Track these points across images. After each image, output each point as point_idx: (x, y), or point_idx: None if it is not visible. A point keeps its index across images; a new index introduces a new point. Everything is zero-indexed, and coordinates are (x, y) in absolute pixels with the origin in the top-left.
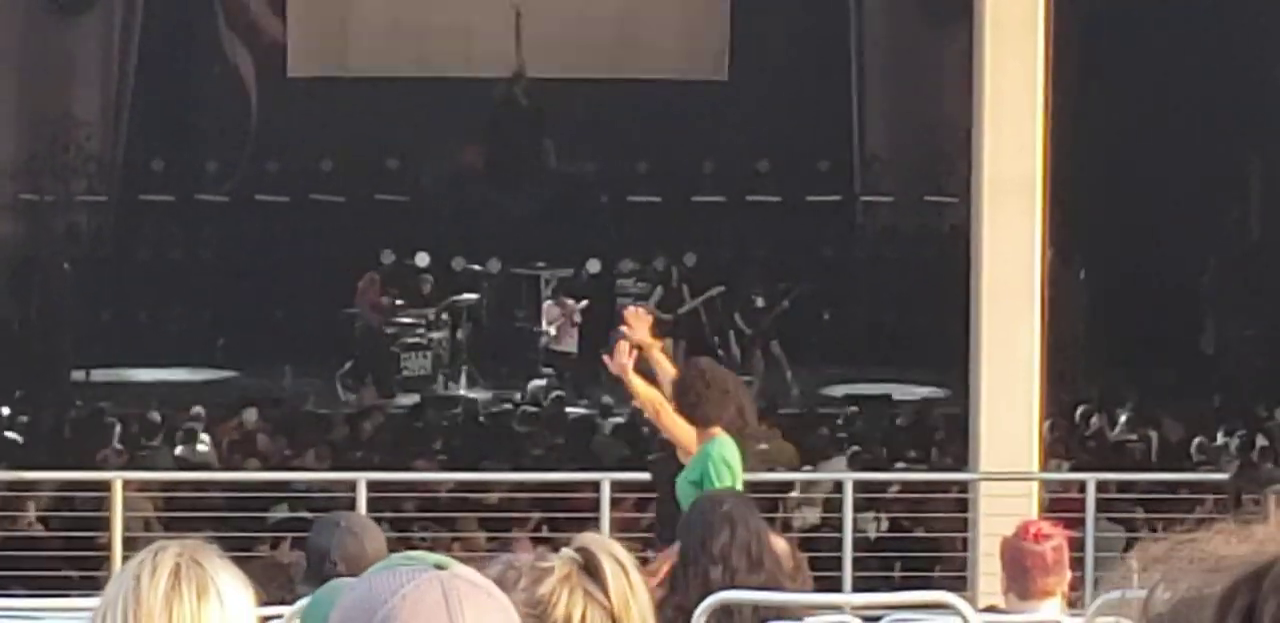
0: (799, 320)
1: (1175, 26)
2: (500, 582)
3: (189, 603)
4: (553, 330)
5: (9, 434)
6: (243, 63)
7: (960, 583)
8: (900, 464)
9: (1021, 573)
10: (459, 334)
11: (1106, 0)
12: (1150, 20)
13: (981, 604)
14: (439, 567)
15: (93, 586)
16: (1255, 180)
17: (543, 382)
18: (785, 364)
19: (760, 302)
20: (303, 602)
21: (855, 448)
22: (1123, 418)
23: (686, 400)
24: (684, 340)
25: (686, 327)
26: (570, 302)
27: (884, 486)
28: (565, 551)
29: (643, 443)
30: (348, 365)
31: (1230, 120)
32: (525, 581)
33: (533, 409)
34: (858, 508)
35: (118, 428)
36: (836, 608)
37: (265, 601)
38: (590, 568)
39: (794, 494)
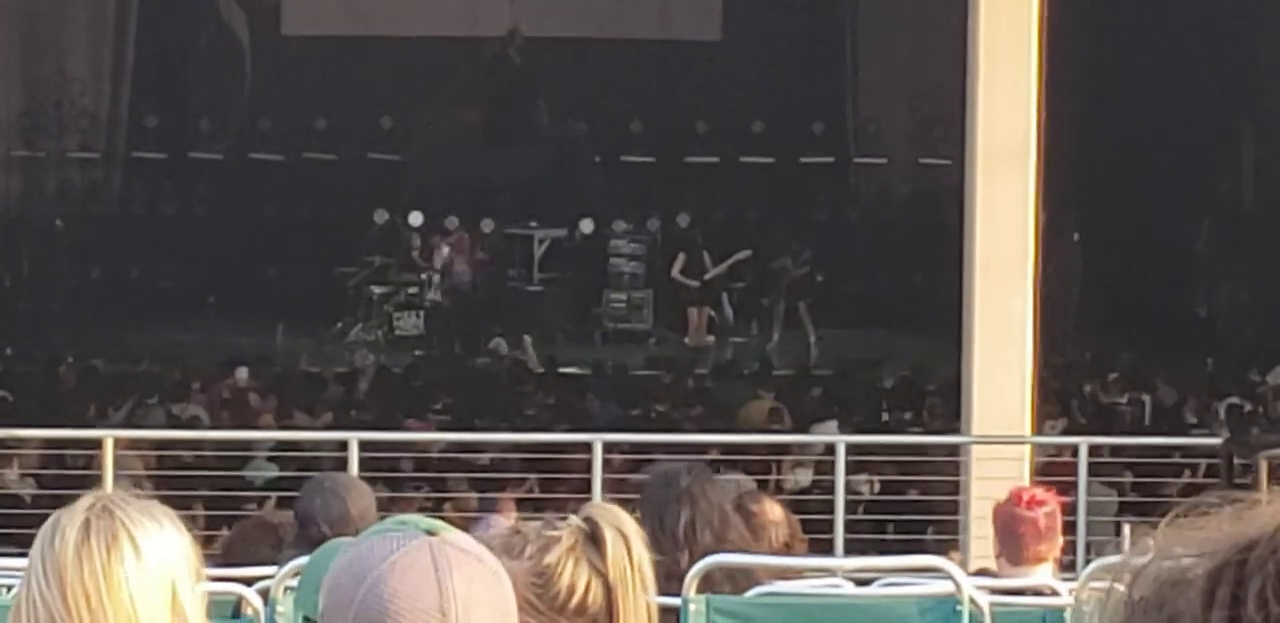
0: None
1: None
2: (506, 548)
3: (99, 556)
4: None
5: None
6: (237, 20)
7: (952, 545)
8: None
9: (1014, 539)
10: (452, 293)
11: None
12: None
13: (973, 567)
14: (430, 532)
15: None
16: (1249, 145)
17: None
18: (809, 326)
19: (778, 263)
20: (292, 563)
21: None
22: (1115, 382)
23: None
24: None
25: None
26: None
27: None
28: (572, 519)
29: (635, 401)
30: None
31: (1224, 86)
32: (532, 548)
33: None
34: (850, 470)
35: (108, 386)
36: (829, 571)
37: (254, 561)
38: (594, 538)
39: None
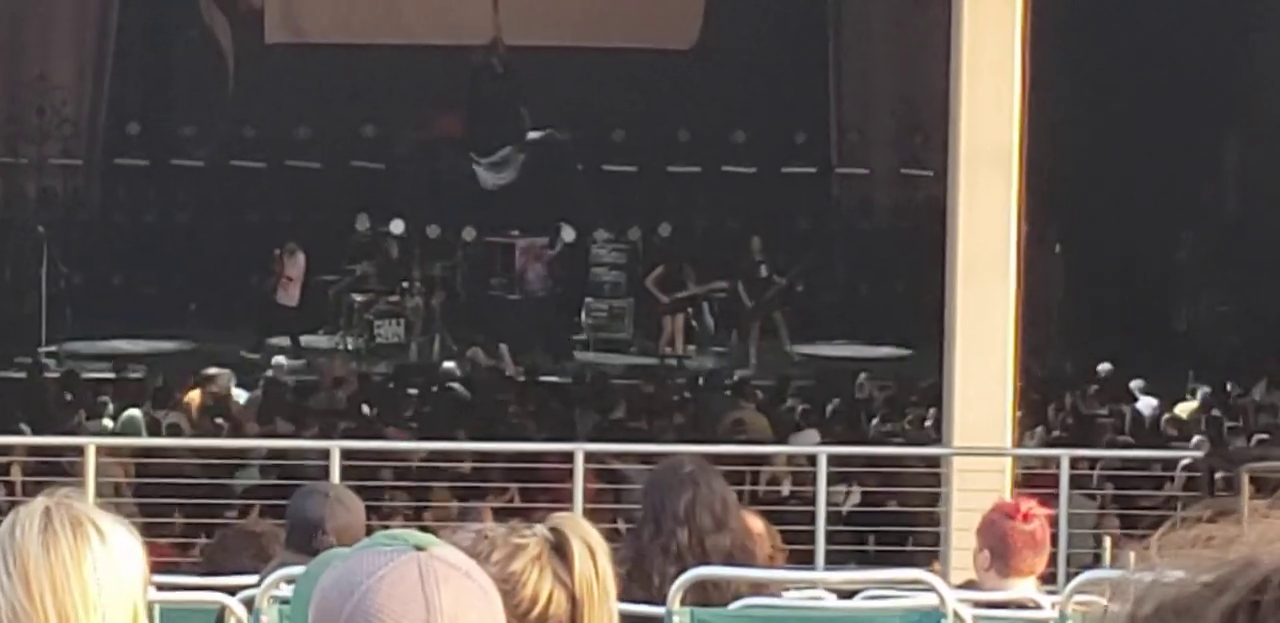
0: (776, 292)
1: (1154, 0)
2: (473, 553)
3: (65, 539)
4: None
5: None
6: (219, 28)
7: (933, 557)
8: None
9: (1009, 552)
10: (433, 302)
11: None
12: None
13: (954, 579)
14: (419, 547)
15: None
16: (1233, 156)
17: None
18: (788, 334)
19: (759, 273)
20: (280, 572)
21: (827, 420)
22: (1095, 393)
23: None
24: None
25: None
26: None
27: (858, 459)
28: (539, 528)
29: (616, 411)
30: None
31: (1207, 96)
32: (499, 554)
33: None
34: (830, 481)
35: (91, 392)
36: (812, 584)
37: (237, 569)
38: (560, 549)
39: (767, 467)
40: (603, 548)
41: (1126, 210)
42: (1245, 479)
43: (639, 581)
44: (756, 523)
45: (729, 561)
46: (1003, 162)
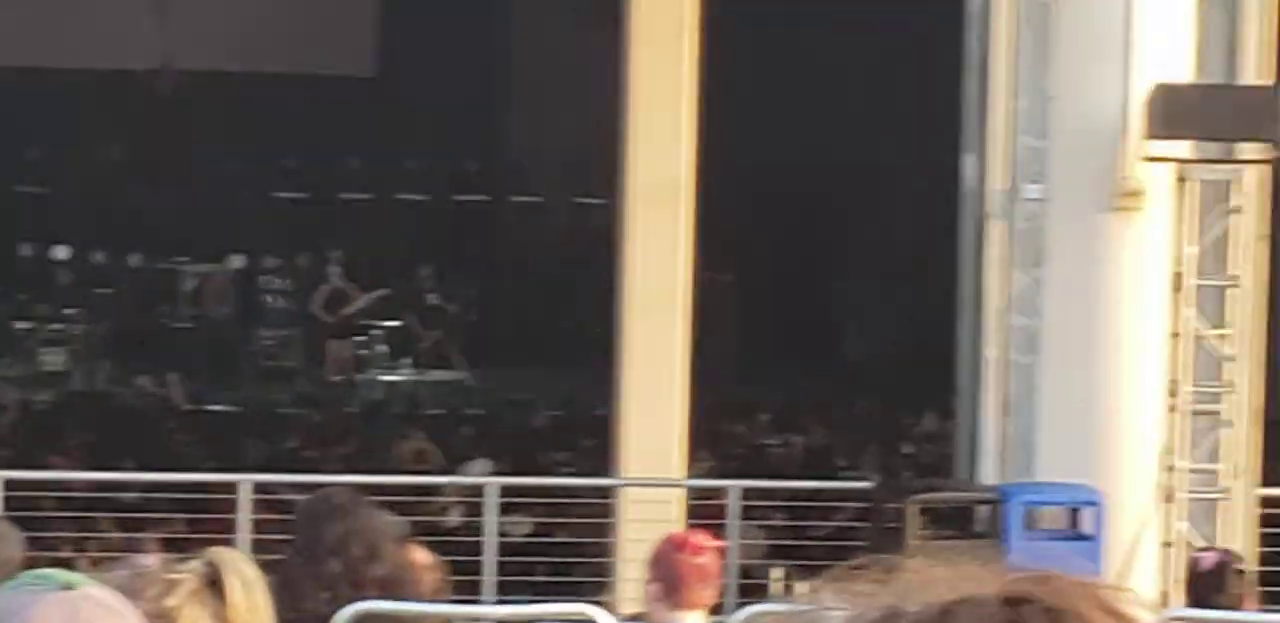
0: (447, 320)
1: (829, 33)
2: (128, 589)
3: None
4: None
5: None
6: None
7: (603, 588)
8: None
9: (680, 585)
10: (98, 329)
11: (761, 4)
12: (804, 26)
13: (623, 611)
14: (68, 586)
15: None
16: (902, 189)
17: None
18: (460, 363)
19: (430, 301)
20: None
21: (497, 450)
22: (767, 423)
23: None
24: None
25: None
26: None
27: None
28: (194, 563)
29: (283, 439)
30: None
31: (877, 128)
32: (154, 591)
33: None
34: (500, 511)
35: None
36: (477, 620)
37: None
38: (216, 584)
39: (437, 498)
40: (259, 582)
41: (799, 241)
42: (913, 511)
43: (288, 609)
44: (422, 555)
45: (385, 591)
46: (674, 192)
